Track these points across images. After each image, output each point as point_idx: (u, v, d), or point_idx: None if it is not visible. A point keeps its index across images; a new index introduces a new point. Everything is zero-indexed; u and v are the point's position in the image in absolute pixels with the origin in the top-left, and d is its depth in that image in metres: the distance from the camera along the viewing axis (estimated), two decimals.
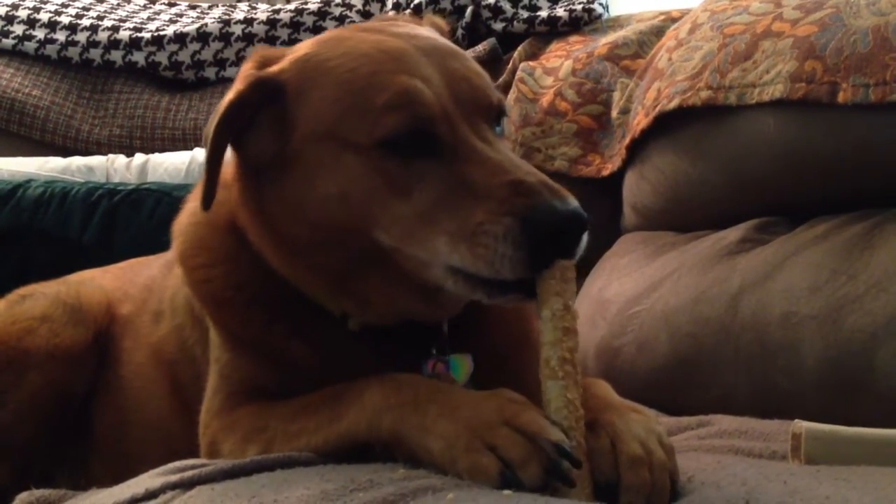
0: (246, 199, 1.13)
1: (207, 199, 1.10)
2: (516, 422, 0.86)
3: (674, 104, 1.89)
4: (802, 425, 1.04)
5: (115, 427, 1.53)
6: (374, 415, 0.97)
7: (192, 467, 1.04)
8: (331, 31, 1.21)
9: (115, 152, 2.83)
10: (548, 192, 0.94)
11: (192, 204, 1.28)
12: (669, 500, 0.86)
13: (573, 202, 0.94)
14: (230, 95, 1.08)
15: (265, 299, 1.16)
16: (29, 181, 2.37)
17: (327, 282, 1.11)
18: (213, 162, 1.09)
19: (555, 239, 0.93)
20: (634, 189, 2.11)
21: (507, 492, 0.81)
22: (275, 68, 1.10)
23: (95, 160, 2.71)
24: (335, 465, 0.98)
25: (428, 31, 1.17)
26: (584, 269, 2.13)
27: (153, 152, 2.80)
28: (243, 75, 1.11)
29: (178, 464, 1.07)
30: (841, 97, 1.55)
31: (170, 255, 1.55)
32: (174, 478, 1.01)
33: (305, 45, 1.13)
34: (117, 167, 2.67)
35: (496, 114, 1.08)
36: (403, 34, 1.10)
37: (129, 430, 1.51)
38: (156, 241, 2.10)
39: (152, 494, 1.00)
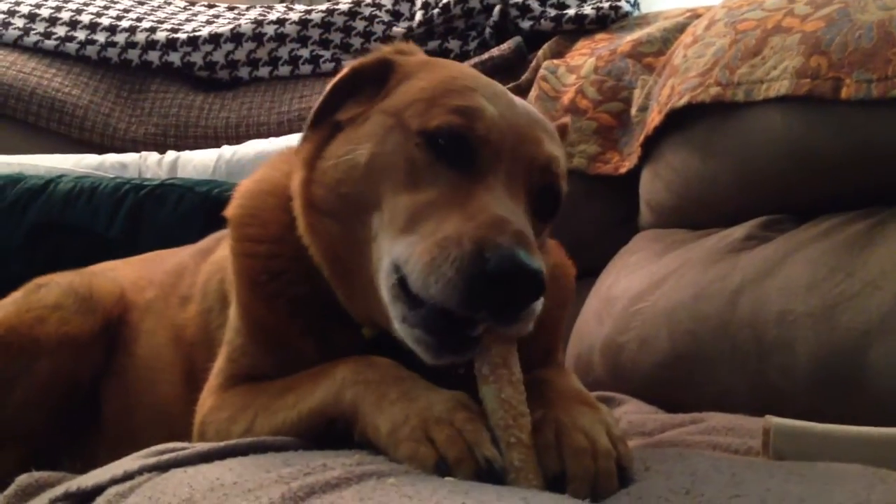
0: (306, 155, 1.17)
1: (306, 138, 1.18)
2: (460, 426, 0.88)
3: (684, 101, 1.88)
4: (772, 421, 1.03)
5: (121, 411, 1.57)
6: (341, 387, 1.00)
7: (171, 451, 1.07)
8: None
9: (149, 150, 2.90)
10: (524, 245, 0.90)
11: (262, 170, 1.32)
12: (620, 486, 0.87)
13: (540, 264, 0.90)
14: (355, 62, 1.18)
15: (295, 293, 1.18)
16: (60, 177, 2.43)
17: (331, 259, 1.13)
18: (325, 108, 1.17)
19: (502, 287, 0.89)
20: (649, 187, 2.10)
21: (448, 478, 0.83)
22: (399, 57, 1.19)
23: (129, 157, 2.78)
24: (304, 450, 1.00)
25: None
26: (599, 268, 2.13)
27: (185, 150, 2.86)
28: (377, 52, 1.21)
29: (159, 447, 1.10)
30: (844, 93, 1.53)
31: (203, 244, 1.61)
32: (152, 460, 1.04)
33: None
34: (149, 164, 2.74)
35: (550, 196, 1.09)
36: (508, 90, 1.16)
37: (135, 413, 1.55)
38: (178, 235, 2.16)
39: (129, 476, 1.02)
